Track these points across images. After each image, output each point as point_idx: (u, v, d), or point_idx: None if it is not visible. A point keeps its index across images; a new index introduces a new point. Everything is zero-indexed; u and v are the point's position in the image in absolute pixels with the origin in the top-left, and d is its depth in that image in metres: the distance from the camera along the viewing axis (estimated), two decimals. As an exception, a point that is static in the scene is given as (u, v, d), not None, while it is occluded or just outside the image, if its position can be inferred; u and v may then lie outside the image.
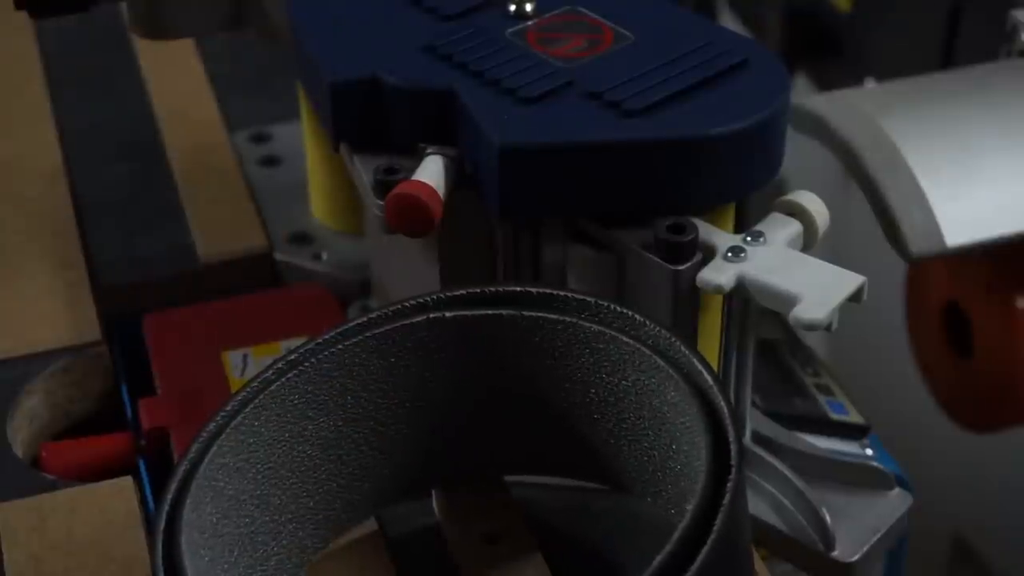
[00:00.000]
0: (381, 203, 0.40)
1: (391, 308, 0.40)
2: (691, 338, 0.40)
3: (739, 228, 0.43)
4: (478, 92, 0.42)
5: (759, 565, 0.43)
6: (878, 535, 0.42)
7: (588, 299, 0.39)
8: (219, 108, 0.65)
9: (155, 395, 0.49)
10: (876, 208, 0.49)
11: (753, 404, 0.45)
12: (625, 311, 0.38)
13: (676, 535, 0.32)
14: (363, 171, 0.43)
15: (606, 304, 0.38)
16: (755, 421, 0.45)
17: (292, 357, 0.39)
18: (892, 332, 0.64)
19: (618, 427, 0.39)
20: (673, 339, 0.37)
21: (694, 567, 0.31)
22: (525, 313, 0.39)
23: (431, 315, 0.39)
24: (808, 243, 0.41)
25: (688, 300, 0.40)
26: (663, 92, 0.41)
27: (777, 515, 0.43)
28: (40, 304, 0.53)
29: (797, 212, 0.41)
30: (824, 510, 0.42)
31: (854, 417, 0.48)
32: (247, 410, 0.38)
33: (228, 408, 0.38)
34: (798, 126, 0.53)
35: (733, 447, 0.33)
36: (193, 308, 0.53)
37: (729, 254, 0.39)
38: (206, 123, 0.64)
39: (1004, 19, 0.57)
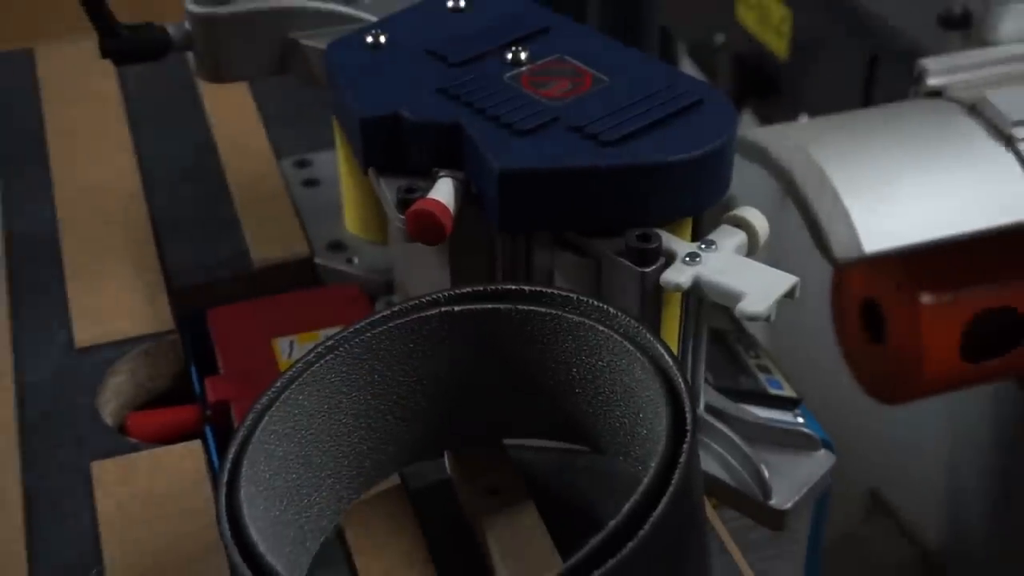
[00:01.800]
0: (402, 217, 0.41)
1: (410, 303, 0.40)
2: (655, 327, 0.40)
3: (695, 237, 0.43)
4: (481, 126, 0.42)
5: (710, 512, 0.43)
6: (807, 488, 0.42)
7: (571, 295, 0.39)
8: (268, 139, 0.66)
9: (218, 374, 0.49)
10: (807, 221, 0.49)
11: (706, 381, 0.45)
12: (601, 305, 0.38)
13: (641, 487, 0.32)
14: (387, 190, 0.43)
15: (585, 300, 0.39)
16: (707, 395, 0.45)
17: (329, 343, 0.39)
18: (820, 323, 0.64)
19: (595, 399, 0.40)
20: (640, 328, 0.37)
21: (656, 513, 0.31)
22: (519, 307, 0.39)
23: (443, 309, 0.39)
24: (751, 249, 0.41)
25: (653, 296, 0.40)
26: (633, 125, 0.41)
27: (725, 471, 0.43)
28: (125, 301, 0.54)
29: (743, 224, 0.41)
30: (763, 467, 0.42)
31: (788, 391, 0.48)
32: (293, 386, 0.38)
33: (278, 385, 0.38)
34: (744, 154, 0.53)
35: (689, 416, 0.34)
36: (249, 303, 0.53)
37: (687, 259, 0.39)
38: (258, 151, 0.64)
39: (913, 66, 0.57)
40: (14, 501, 0.44)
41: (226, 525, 0.34)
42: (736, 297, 0.37)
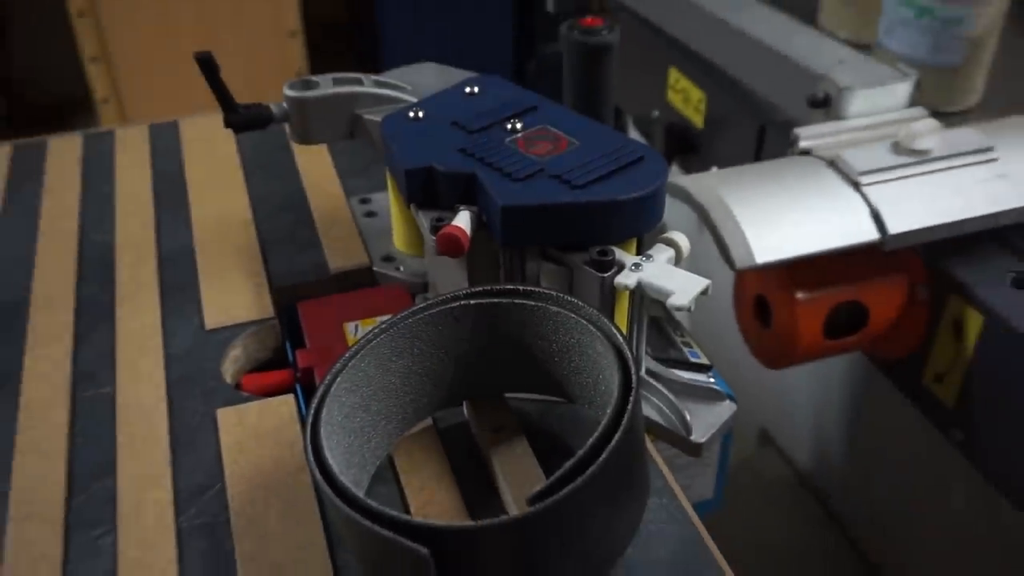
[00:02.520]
0: (434, 238, 0.41)
1: (439, 298, 0.40)
2: (611, 315, 0.40)
3: (638, 251, 0.43)
4: (489, 174, 0.42)
5: (649, 445, 0.43)
6: (716, 427, 0.42)
7: (551, 293, 0.39)
8: (340, 183, 0.65)
9: (305, 348, 0.49)
10: (716, 240, 0.49)
11: (646, 352, 0.45)
12: (573, 300, 0.38)
13: (601, 427, 0.32)
14: (424, 219, 0.43)
15: (562, 296, 0.39)
16: (647, 362, 0.45)
17: (383, 326, 0.39)
18: (726, 311, 0.64)
19: (568, 365, 0.40)
20: (600, 316, 0.37)
21: (611, 445, 0.31)
22: (515, 301, 0.39)
23: (462, 302, 0.39)
24: (678, 261, 0.41)
25: (609, 294, 0.40)
26: (596, 174, 0.41)
27: (659, 416, 0.43)
28: (240, 297, 0.54)
29: (672, 243, 0.41)
30: (686, 413, 0.42)
31: (703, 360, 0.48)
32: (357, 357, 0.38)
33: (346, 356, 0.38)
34: (672, 194, 0.53)
35: (634, 377, 0.34)
36: (327, 298, 0.53)
37: (632, 267, 0.39)
38: (333, 193, 0.64)
39: (790, 133, 0.57)
40: (162, 437, 0.44)
41: (310, 454, 0.34)
42: (667, 294, 0.37)
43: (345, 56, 2.23)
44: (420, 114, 0.48)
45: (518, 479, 0.39)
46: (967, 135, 0.53)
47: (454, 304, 0.39)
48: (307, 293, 0.54)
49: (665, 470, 0.42)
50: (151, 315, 0.52)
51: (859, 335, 0.54)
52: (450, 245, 0.40)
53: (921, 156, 0.52)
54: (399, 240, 0.56)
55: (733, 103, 0.70)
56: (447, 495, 0.40)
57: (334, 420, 0.37)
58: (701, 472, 0.48)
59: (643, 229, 0.42)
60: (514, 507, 0.38)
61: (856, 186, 0.50)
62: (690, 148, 0.78)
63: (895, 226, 0.49)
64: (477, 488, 0.41)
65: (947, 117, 0.61)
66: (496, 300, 0.39)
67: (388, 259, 0.55)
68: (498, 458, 0.40)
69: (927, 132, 0.52)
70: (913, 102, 0.59)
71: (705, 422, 0.42)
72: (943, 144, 0.52)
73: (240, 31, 1.70)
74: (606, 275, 0.39)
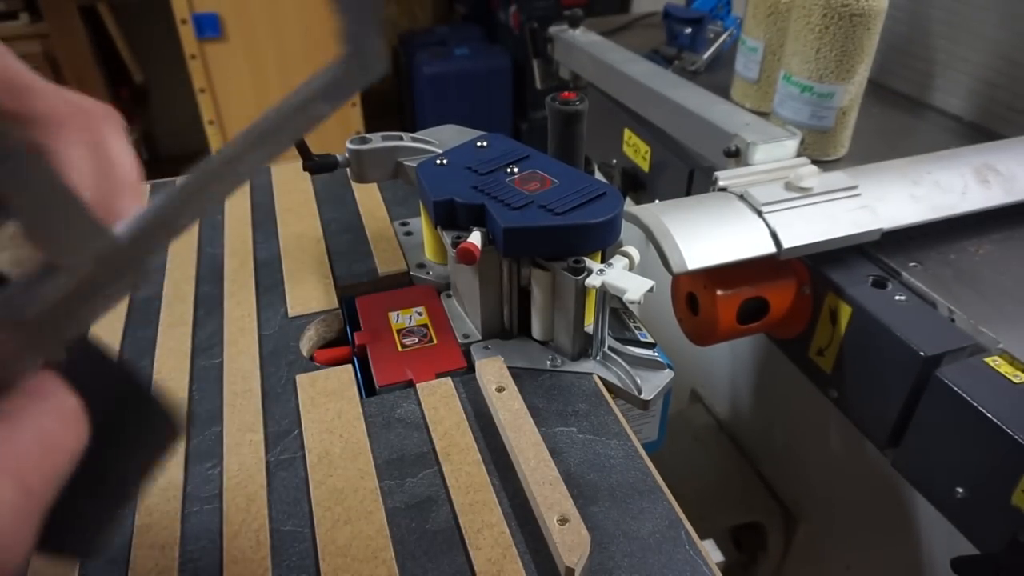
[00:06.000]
0: (454, 251, 0.40)
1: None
2: (582, 308, 0.40)
3: (602, 260, 0.43)
4: (494, 205, 0.41)
5: (609, 400, 0.42)
6: (660, 388, 0.42)
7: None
8: (387, 211, 0.65)
9: (360, 330, 0.49)
10: (658, 252, 0.48)
11: (608, 334, 0.44)
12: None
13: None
14: (447, 237, 0.42)
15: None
16: (609, 340, 0.44)
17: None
18: (665, 304, 0.64)
19: None
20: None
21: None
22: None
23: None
24: (631, 267, 0.40)
25: (582, 291, 0.39)
26: (571, 204, 0.41)
27: (618, 380, 0.42)
28: (314, 293, 0.53)
29: (626, 254, 0.40)
30: (638, 378, 0.41)
31: (649, 339, 0.48)
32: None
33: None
34: (627, 219, 0.52)
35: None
36: (376, 295, 0.52)
37: (598, 272, 0.38)
38: (381, 218, 0.63)
39: (711, 175, 0.56)
40: (257, 395, 0.43)
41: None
42: (623, 291, 0.37)
43: (391, 119, 2.23)
44: (444, 161, 0.47)
45: (508, 413, 0.38)
46: (838, 177, 0.53)
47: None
48: (362, 290, 0.53)
49: (622, 419, 0.42)
50: (249, 306, 0.52)
51: (762, 322, 0.53)
52: (466, 256, 0.40)
53: (805, 192, 0.51)
54: (429, 252, 0.55)
55: (670, 154, 0.70)
56: (463, 437, 0.39)
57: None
58: (648, 421, 0.47)
59: (606, 244, 0.42)
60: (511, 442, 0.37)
61: (759, 214, 0.50)
62: (640, 186, 0.78)
63: (787, 242, 0.48)
64: (488, 429, 0.40)
65: (823, 164, 0.60)
66: None
67: (421, 266, 0.55)
68: (501, 408, 0.39)
69: (809, 175, 0.52)
70: (799, 153, 0.59)
71: (651, 384, 0.42)
72: (821, 184, 0.52)
73: (315, 102, 1.73)
74: (579, 278, 0.39)
